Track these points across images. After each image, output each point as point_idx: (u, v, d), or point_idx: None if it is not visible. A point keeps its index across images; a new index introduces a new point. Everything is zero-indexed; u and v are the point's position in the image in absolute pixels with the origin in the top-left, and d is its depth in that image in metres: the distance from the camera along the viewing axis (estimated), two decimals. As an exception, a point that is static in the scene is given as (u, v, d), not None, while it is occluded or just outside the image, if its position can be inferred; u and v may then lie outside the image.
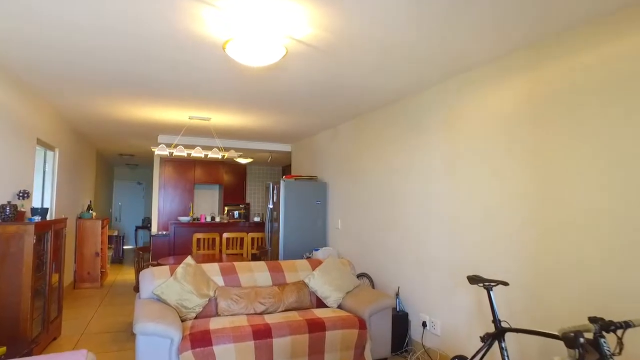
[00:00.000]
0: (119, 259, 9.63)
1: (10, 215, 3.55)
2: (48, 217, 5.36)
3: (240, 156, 5.11)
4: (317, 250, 5.43)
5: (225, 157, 5.41)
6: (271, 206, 6.15)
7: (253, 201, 10.27)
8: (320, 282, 3.98)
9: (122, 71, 3.60)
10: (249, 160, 8.54)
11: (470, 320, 3.39)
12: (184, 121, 5.53)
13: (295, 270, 4.11)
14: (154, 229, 8.10)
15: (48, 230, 3.96)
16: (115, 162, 11.38)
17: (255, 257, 6.90)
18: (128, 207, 12.68)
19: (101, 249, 7.30)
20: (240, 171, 10.05)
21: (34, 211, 4.29)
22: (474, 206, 3.39)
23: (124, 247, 10.76)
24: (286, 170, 10.13)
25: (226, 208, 9.42)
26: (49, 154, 5.50)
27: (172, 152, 5.18)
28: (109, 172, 11.67)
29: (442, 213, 3.76)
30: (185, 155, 5.21)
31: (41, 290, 3.89)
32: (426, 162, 3.99)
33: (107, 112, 5.16)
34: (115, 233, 9.54)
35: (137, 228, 12.32)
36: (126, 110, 5.04)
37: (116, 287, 7.01)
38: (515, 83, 3.02)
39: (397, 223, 4.40)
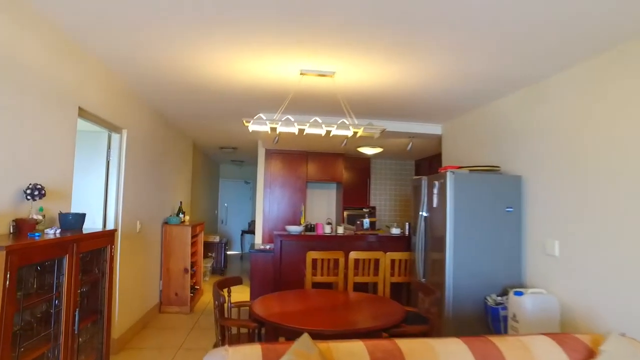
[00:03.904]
0: (220, 270, 8.19)
1: (-25, 230, 1.85)
2: (107, 226, 3.80)
3: (381, 133, 3.06)
4: (519, 294, 3.05)
5: (359, 134, 3.33)
6: (425, 213, 3.92)
7: (378, 205, 8.10)
8: (604, 405, 1.66)
9: None
10: (378, 150, 6.41)
11: None
12: (293, 82, 3.60)
13: (532, 364, 1.83)
14: (258, 239, 6.39)
15: (61, 254, 2.24)
16: (220, 159, 10.10)
17: (395, 290, 4.69)
18: (235, 209, 11.43)
19: (193, 262, 5.78)
20: (362, 166, 7.95)
21: (63, 219, 2.65)
22: None
23: (228, 252, 9.36)
24: (421, 164, 7.79)
25: (345, 213, 7.41)
26: (115, 137, 3.96)
27: (276, 128, 3.24)
28: (214, 169, 10.47)
29: None
30: (296, 131, 3.24)
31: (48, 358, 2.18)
32: None
33: (183, 74, 3.42)
34: (217, 239, 8.11)
35: (243, 232, 10.98)
36: (208, 68, 3.24)
37: (209, 313, 5.39)
38: None
39: None
